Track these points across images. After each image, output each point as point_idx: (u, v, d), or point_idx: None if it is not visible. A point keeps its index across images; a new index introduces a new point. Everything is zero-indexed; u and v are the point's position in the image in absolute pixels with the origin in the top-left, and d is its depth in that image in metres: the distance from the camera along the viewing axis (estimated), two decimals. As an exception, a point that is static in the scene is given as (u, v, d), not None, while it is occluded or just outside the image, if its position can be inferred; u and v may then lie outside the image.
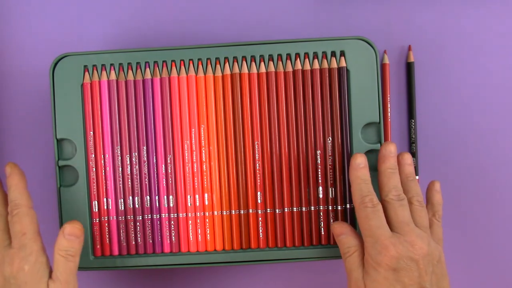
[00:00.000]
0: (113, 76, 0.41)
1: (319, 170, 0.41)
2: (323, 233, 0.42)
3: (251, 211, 0.42)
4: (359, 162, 0.38)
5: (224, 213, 0.42)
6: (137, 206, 0.42)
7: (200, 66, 0.42)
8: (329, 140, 0.41)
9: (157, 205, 0.42)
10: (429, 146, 0.46)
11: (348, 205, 0.41)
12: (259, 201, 0.42)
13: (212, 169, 0.42)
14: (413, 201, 0.38)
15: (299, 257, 0.42)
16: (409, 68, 0.46)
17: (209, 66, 0.41)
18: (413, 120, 0.46)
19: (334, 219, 0.41)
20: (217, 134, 0.42)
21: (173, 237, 0.42)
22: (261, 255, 0.42)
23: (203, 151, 0.42)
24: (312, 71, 0.41)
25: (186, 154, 0.42)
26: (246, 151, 0.42)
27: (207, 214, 0.42)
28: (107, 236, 0.42)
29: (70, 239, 0.37)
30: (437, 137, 0.46)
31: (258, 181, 0.42)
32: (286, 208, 0.42)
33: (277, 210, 0.42)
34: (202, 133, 0.42)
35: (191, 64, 0.41)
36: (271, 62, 0.41)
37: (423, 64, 0.46)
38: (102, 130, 0.42)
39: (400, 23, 0.46)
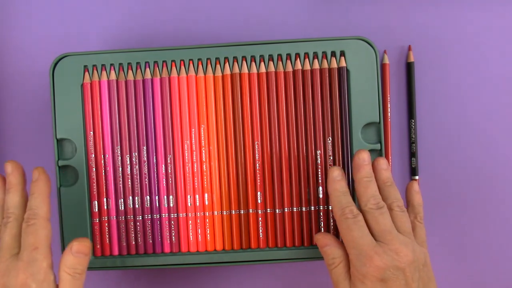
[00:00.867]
0: (113, 76, 0.41)
1: (319, 170, 0.41)
2: (323, 233, 0.42)
3: (251, 211, 0.42)
4: (336, 175, 0.38)
5: (224, 213, 0.42)
6: (137, 206, 0.42)
7: (200, 66, 0.41)
8: (329, 140, 0.41)
9: (157, 205, 0.42)
10: (429, 146, 0.46)
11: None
12: (259, 201, 0.42)
13: (212, 169, 0.42)
14: (393, 206, 0.38)
15: (299, 257, 0.42)
16: (409, 68, 0.46)
17: (209, 66, 0.41)
18: (413, 120, 0.46)
19: (334, 219, 0.41)
20: (217, 134, 0.42)
21: (173, 237, 0.42)
22: (261, 255, 0.42)
23: (203, 151, 0.42)
24: (312, 71, 0.41)
25: (186, 154, 0.42)
26: (246, 151, 0.42)
27: (207, 214, 0.42)
28: (107, 236, 0.42)
29: (79, 256, 0.35)
30: (437, 137, 0.46)
31: (258, 181, 0.42)
32: (286, 208, 0.42)
33: (277, 210, 0.42)
34: (202, 133, 0.42)
35: (191, 64, 0.41)
36: (271, 62, 0.41)
37: (423, 64, 0.46)
38: (102, 130, 0.42)
39: (400, 23, 0.46)
